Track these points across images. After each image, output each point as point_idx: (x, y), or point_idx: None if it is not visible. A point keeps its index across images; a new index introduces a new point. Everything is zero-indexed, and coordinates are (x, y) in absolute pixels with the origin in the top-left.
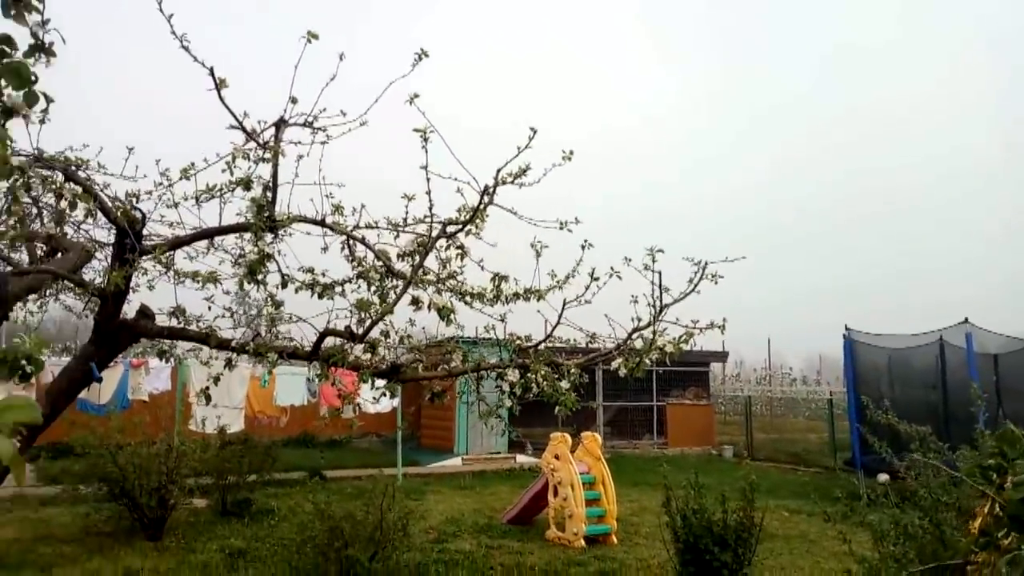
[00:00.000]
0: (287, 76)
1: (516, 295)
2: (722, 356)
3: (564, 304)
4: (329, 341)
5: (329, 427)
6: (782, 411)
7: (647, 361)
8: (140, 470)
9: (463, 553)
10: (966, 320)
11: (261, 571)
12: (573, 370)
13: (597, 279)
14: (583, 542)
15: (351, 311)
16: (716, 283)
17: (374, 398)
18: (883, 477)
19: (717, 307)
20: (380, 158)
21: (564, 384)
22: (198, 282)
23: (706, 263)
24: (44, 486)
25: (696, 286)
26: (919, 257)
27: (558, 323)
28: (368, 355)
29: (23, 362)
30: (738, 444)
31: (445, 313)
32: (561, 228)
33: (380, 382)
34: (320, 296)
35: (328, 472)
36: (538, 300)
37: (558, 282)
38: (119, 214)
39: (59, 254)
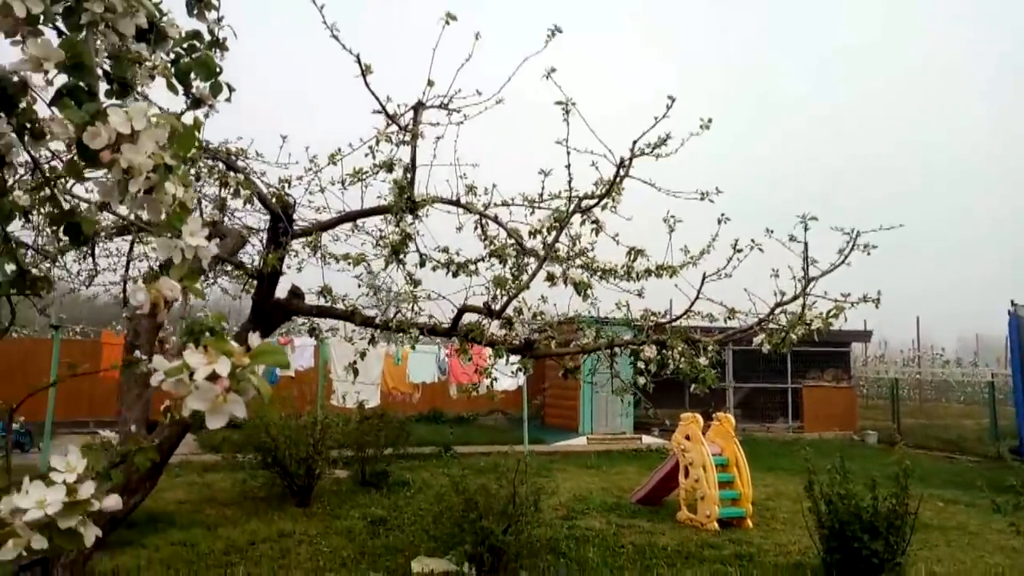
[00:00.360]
0: (413, 59)
1: (648, 271)
2: (865, 336)
3: (704, 278)
4: (466, 318)
5: (457, 404)
6: (933, 395)
7: (793, 337)
8: (290, 441)
9: (593, 531)
10: None
11: (400, 538)
12: (711, 347)
13: (740, 251)
14: (716, 524)
15: (487, 288)
16: (869, 254)
17: (512, 372)
18: None
19: (859, 284)
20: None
21: (702, 361)
22: (350, 263)
23: (858, 232)
24: (206, 454)
25: (846, 258)
26: None
27: (697, 297)
28: (503, 331)
29: (207, 334)
30: (882, 429)
31: (582, 288)
32: (702, 199)
33: (514, 358)
34: (455, 275)
35: (457, 448)
36: (671, 276)
37: (691, 257)
38: (274, 200)
39: (218, 240)
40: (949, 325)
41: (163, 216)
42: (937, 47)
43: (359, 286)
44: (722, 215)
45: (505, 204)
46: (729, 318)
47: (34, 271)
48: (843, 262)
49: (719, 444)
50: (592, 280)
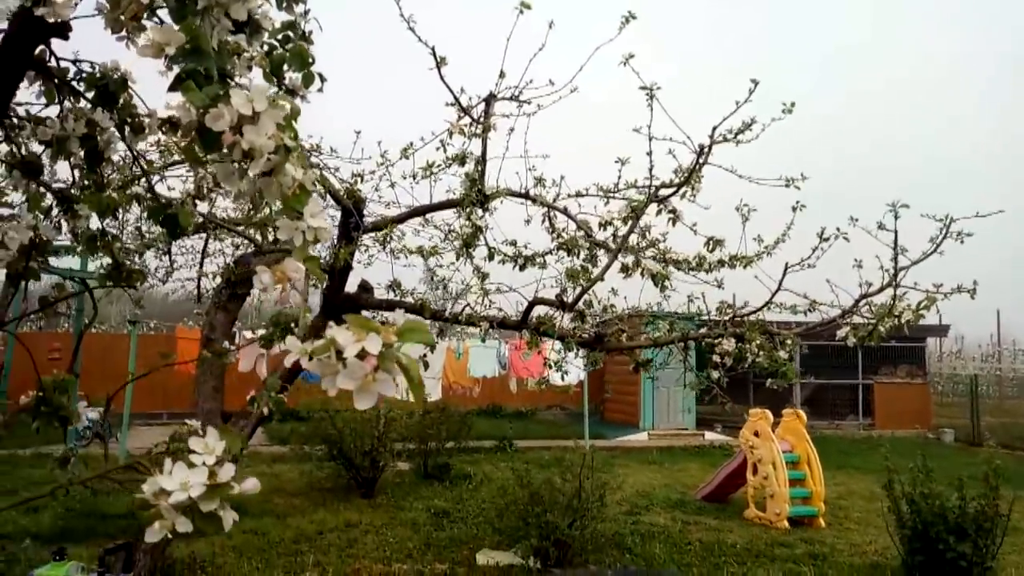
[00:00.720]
0: (482, 47)
1: (721, 261)
2: (941, 330)
3: (786, 268)
4: (536, 311)
5: (516, 399)
6: (1014, 392)
7: (882, 330)
8: (355, 433)
9: (658, 527)
10: None
11: (464, 531)
12: (791, 340)
13: (827, 239)
14: (786, 523)
15: (557, 281)
16: (962, 242)
17: (581, 365)
18: None
19: (933, 275)
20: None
21: (782, 355)
22: (421, 255)
23: (951, 219)
24: (275, 445)
25: (939, 246)
26: None
27: (779, 289)
28: (574, 324)
29: (292, 325)
30: (959, 428)
31: (660, 279)
32: (787, 185)
33: (580, 352)
34: (522, 268)
35: (516, 442)
36: (745, 267)
37: (766, 247)
38: (344, 195)
39: None
40: None
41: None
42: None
43: (421, 280)
44: (797, 203)
45: (578, 195)
46: (810, 310)
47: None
48: (935, 250)
49: (790, 441)
50: (667, 271)
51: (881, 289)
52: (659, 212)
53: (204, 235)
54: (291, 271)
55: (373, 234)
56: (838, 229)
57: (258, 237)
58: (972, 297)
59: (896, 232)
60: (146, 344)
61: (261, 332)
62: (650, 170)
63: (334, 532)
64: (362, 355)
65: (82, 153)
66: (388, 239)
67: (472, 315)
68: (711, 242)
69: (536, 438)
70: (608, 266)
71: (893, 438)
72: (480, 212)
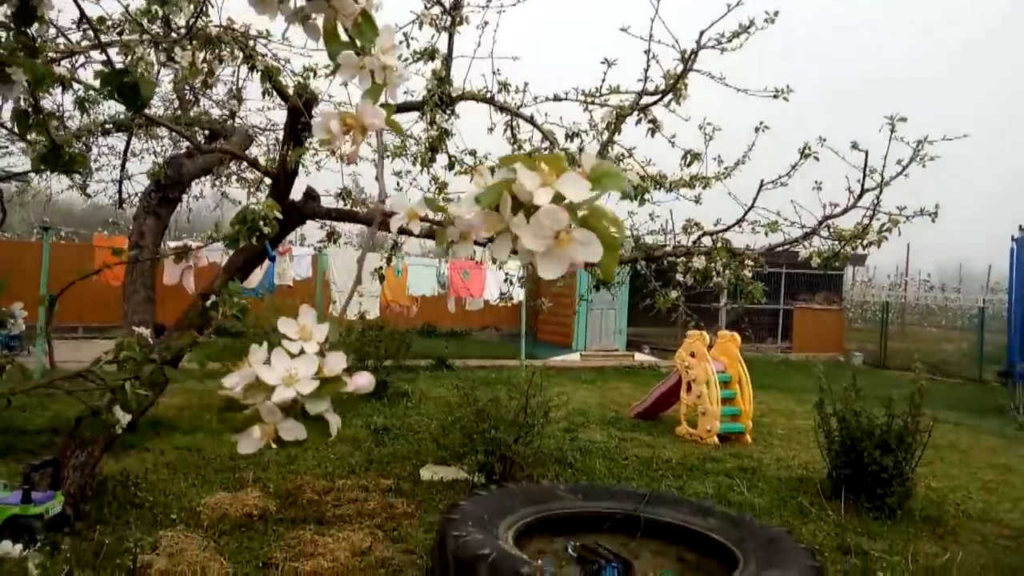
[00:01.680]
0: None
1: (682, 181)
2: (859, 259)
3: (761, 186)
4: None
5: (452, 319)
6: (916, 319)
7: (848, 251)
8: None
9: (595, 443)
10: None
11: (406, 447)
12: (754, 260)
13: (807, 155)
14: (716, 439)
15: None
16: (924, 166)
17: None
18: None
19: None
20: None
21: (747, 273)
22: (387, 156)
23: (926, 139)
24: (169, 359)
25: (906, 168)
26: None
27: (751, 207)
28: None
29: (260, 223)
30: (868, 352)
31: (640, 192)
32: (775, 96)
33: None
34: None
35: (453, 361)
36: (704, 187)
37: (726, 168)
38: (294, 92)
39: (220, 140)
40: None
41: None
42: None
43: (398, 185)
44: (761, 123)
45: (556, 99)
46: (771, 231)
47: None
48: (902, 173)
49: (723, 361)
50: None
51: (844, 211)
52: (639, 122)
53: (126, 134)
54: (368, 116)
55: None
56: (809, 148)
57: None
58: (933, 220)
59: (867, 153)
60: (59, 253)
61: (189, 242)
62: (646, 69)
63: (272, 449)
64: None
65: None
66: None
67: (432, 228)
68: (688, 156)
69: (472, 357)
70: None
71: (808, 361)
72: (445, 115)
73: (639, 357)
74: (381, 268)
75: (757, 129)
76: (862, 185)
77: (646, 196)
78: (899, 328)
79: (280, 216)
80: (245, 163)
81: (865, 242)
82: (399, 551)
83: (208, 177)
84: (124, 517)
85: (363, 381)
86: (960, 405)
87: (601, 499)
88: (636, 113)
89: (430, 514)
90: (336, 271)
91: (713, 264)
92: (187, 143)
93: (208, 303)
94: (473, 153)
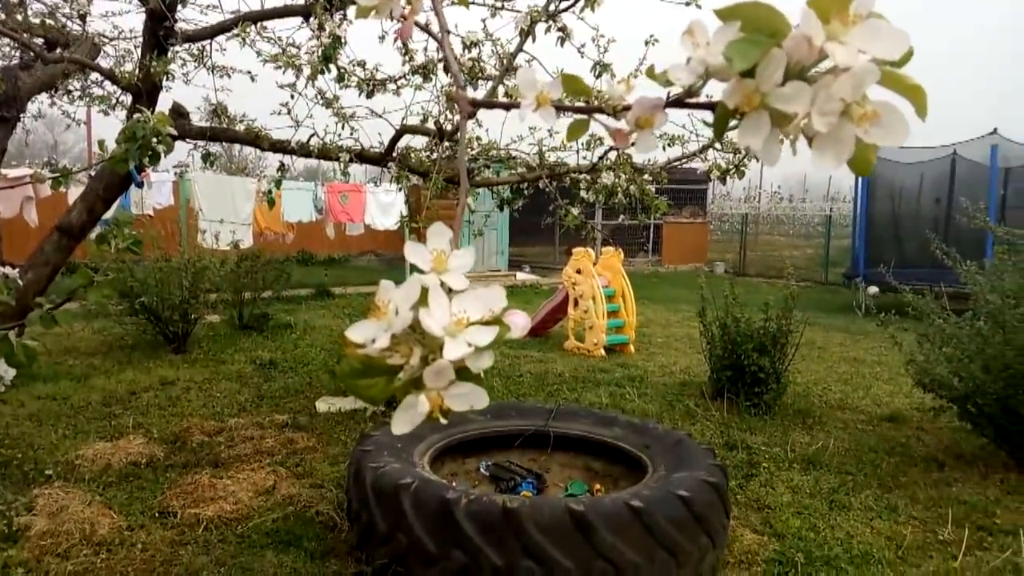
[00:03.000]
0: None
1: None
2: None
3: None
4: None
5: (329, 245)
6: (768, 229)
7: (747, 164)
8: (162, 284)
9: None
10: (995, 131)
11: (296, 380)
12: (653, 174)
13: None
14: (603, 352)
15: (423, 108)
16: None
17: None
18: (873, 290)
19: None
20: None
21: (651, 188)
22: (279, 66)
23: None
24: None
25: None
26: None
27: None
28: (444, 155)
29: (153, 140)
30: (728, 261)
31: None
32: (687, 4)
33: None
34: (369, 95)
35: (333, 289)
36: (587, 101)
37: (620, 80)
38: None
39: (59, 49)
40: (778, 167)
41: None
42: None
43: (288, 111)
44: (651, 36)
45: (461, 2)
46: (670, 145)
47: None
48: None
49: (607, 276)
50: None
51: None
52: (548, 30)
53: None
54: None
55: (188, 46)
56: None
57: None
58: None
59: None
60: None
61: (26, 171)
62: None
63: (150, 392)
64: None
65: None
66: (208, 53)
67: (326, 146)
68: (598, 67)
69: (353, 285)
70: (494, 89)
71: (675, 272)
72: (336, 20)
73: (520, 276)
74: (270, 192)
75: (647, 43)
76: None
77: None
78: (753, 238)
79: (175, 133)
80: (99, 76)
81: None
82: (305, 487)
83: (47, 94)
84: None
85: (522, 321)
86: (812, 306)
87: (509, 417)
88: (545, 20)
89: (332, 446)
90: (202, 197)
91: (617, 180)
92: (21, 52)
93: (96, 237)
94: (362, 64)
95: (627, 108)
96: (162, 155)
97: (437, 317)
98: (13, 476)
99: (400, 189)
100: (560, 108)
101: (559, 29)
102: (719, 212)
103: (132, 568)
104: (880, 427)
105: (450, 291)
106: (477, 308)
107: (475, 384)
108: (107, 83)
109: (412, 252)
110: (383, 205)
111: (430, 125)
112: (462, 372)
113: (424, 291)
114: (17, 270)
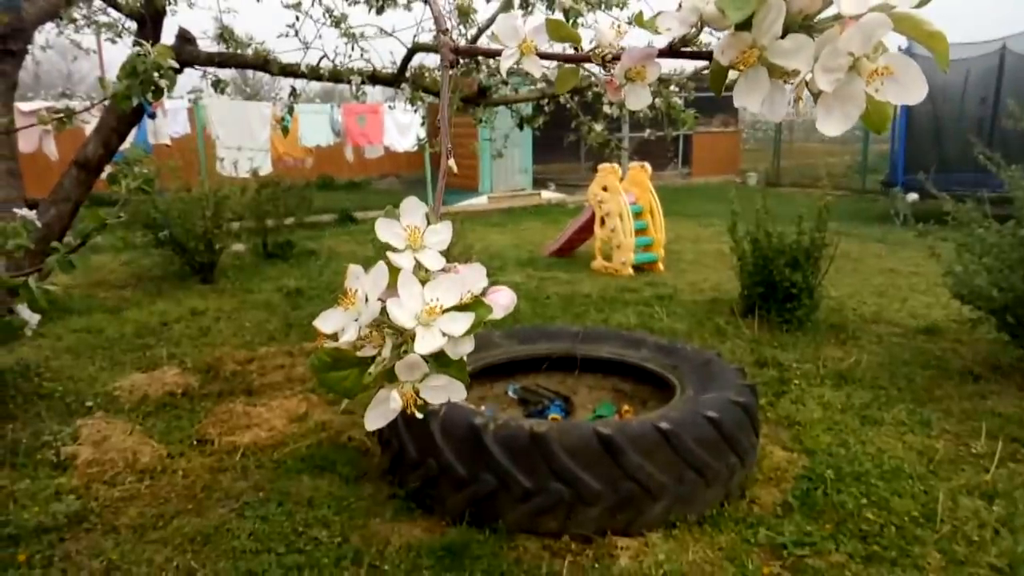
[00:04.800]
0: None
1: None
2: None
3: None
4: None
5: (349, 169)
6: (802, 136)
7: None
8: (184, 215)
9: (515, 284)
10: None
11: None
12: (681, 85)
13: None
14: (631, 270)
15: (433, 28)
16: None
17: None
18: (912, 196)
19: None
20: None
21: (677, 100)
22: None
23: None
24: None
25: None
26: None
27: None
28: (459, 74)
29: (155, 75)
30: (761, 171)
31: (573, 14)
32: None
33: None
34: (379, 11)
35: (356, 213)
36: (621, 8)
37: None
38: None
39: None
40: None
41: None
42: None
43: (289, 35)
44: None
45: None
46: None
47: None
48: None
49: (634, 193)
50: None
51: None
52: None
53: None
54: None
55: None
56: None
57: None
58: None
59: None
60: None
61: (41, 104)
62: None
63: (181, 322)
64: None
65: None
66: None
67: (337, 68)
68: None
69: (375, 209)
70: (480, 33)
71: (707, 184)
72: None
73: (545, 195)
74: (284, 119)
75: None
76: None
77: (579, 19)
78: (788, 146)
79: (177, 66)
80: (102, 2)
81: None
82: (337, 413)
83: (53, 23)
84: (33, 410)
85: (505, 299)
86: (848, 216)
87: (537, 341)
88: None
89: None
90: (218, 124)
91: None
92: None
93: (107, 176)
94: None
95: (617, 58)
96: (165, 91)
97: (408, 307)
98: (57, 408)
99: (415, 110)
100: (545, 57)
101: None
102: (752, 120)
103: (175, 494)
104: (915, 340)
105: (426, 271)
106: (453, 292)
107: (455, 372)
108: (111, 10)
109: (384, 229)
110: (402, 126)
111: None
112: (441, 358)
113: (395, 275)
114: (37, 208)
